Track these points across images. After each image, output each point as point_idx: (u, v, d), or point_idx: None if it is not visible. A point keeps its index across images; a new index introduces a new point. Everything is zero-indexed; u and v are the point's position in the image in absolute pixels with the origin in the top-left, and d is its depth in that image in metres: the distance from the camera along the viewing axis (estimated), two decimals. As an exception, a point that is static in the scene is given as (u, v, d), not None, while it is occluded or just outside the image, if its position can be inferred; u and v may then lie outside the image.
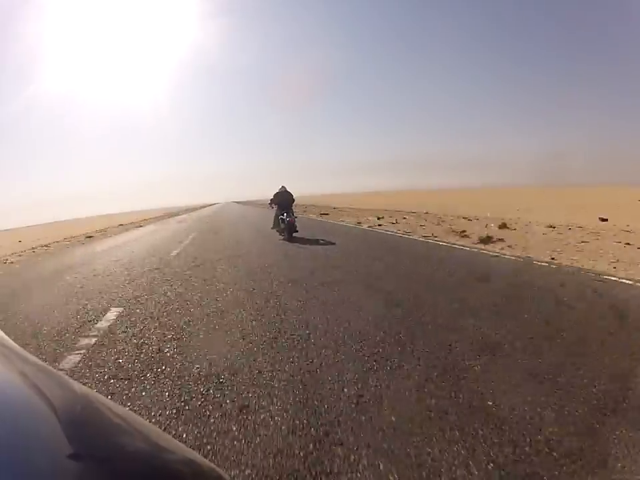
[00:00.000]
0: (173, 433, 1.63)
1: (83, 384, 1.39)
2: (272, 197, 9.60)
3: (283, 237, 8.81)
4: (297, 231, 8.63)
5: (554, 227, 9.42)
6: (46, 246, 12.47)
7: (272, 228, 9.85)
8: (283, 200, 9.25)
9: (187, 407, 1.85)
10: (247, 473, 1.39)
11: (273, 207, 9.99)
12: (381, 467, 1.40)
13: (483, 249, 6.48)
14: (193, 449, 1.47)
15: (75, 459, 0.30)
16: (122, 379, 2.19)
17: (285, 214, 8.73)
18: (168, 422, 1.73)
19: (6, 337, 0.59)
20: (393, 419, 1.69)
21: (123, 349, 2.65)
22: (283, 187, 9.57)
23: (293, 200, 9.38)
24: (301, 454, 1.48)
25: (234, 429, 1.66)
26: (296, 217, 8.99)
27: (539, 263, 5.14)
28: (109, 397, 1.93)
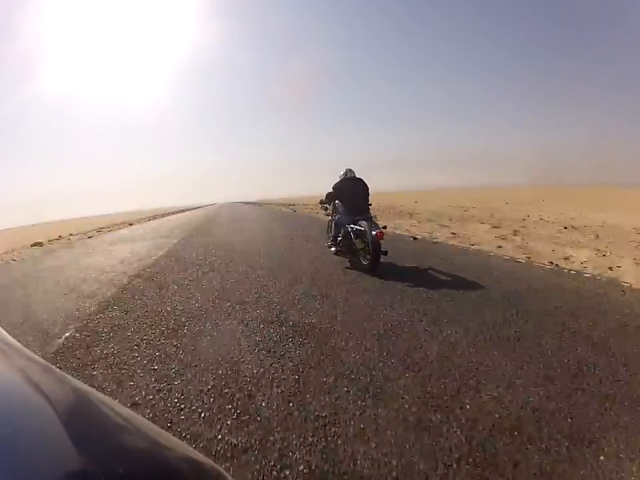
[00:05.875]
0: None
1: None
2: (329, 192, 5.31)
3: (349, 263, 4.90)
4: (386, 253, 4.39)
5: None
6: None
7: (328, 245, 5.61)
8: (352, 193, 4.97)
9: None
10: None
11: (328, 210, 5.80)
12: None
13: None
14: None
15: (75, 457, 0.30)
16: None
17: (362, 220, 4.54)
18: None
19: (6, 334, 0.59)
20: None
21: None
22: (348, 170, 5.34)
23: (368, 194, 5.17)
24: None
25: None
26: (385, 227, 4.73)
27: None
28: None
